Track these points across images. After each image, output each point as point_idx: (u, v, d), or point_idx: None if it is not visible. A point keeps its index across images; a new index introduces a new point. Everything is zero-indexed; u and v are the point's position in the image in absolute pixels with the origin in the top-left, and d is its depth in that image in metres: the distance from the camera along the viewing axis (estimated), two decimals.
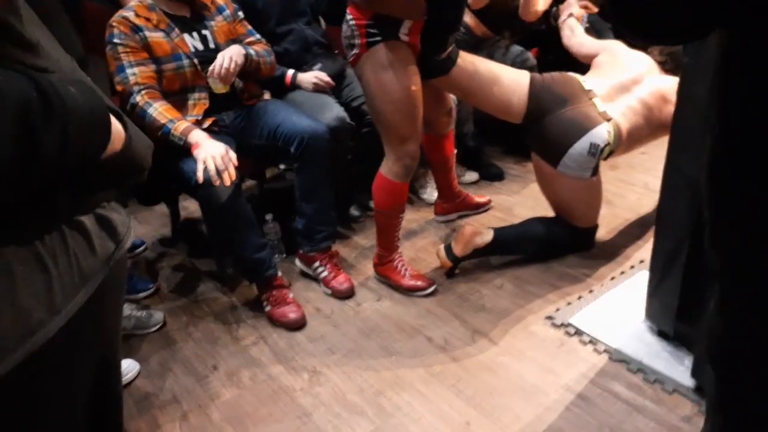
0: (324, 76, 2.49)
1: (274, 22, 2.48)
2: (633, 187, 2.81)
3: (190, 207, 2.62)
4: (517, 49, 2.96)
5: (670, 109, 2.07)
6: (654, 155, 2.83)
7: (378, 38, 1.90)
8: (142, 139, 0.82)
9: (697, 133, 1.38)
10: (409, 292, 2.19)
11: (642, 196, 2.74)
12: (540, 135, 2.20)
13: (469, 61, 2.20)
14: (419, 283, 2.18)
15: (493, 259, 2.35)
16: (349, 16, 1.95)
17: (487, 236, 2.25)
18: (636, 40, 0.69)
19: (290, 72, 2.48)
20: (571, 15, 2.67)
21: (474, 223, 2.64)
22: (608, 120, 2.13)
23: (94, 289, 0.78)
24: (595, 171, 2.17)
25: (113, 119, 0.75)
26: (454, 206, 2.70)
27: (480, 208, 2.76)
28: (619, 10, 0.59)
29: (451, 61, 2.13)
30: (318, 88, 2.49)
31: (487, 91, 2.21)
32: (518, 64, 2.82)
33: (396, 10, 1.88)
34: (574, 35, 2.59)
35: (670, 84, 2.20)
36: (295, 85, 2.49)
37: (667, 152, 1.74)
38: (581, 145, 2.09)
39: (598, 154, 2.10)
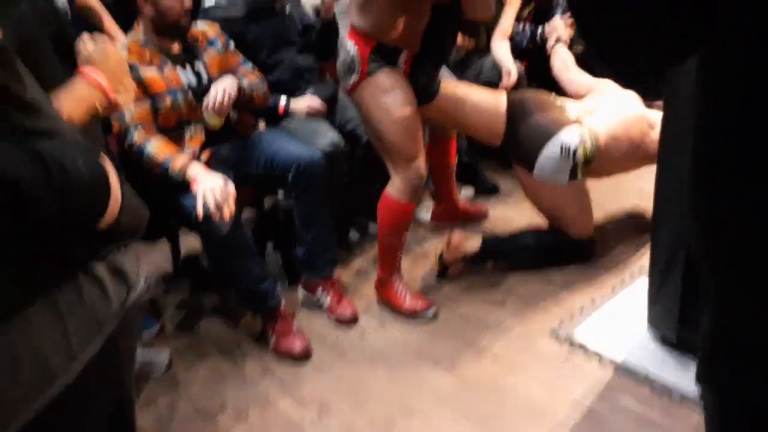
0: (317, 102, 2.52)
1: (266, 53, 2.51)
2: (628, 193, 2.83)
3: (191, 241, 2.63)
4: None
5: (655, 136, 2.10)
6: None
7: (378, 65, 1.98)
8: (134, 203, 0.84)
9: (686, 136, 1.42)
10: (409, 315, 2.20)
11: (637, 202, 2.76)
12: (514, 144, 2.27)
13: (450, 88, 2.27)
14: (419, 305, 2.19)
15: (495, 276, 2.36)
16: (350, 44, 2.01)
17: (475, 243, 2.29)
18: (617, 77, 0.69)
19: (283, 100, 2.50)
20: (558, 40, 2.71)
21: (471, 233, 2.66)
22: (580, 123, 2.16)
23: (108, 334, 0.81)
24: (573, 175, 2.18)
25: (112, 180, 0.77)
26: (453, 214, 2.76)
27: (478, 216, 2.81)
28: (591, 39, 0.59)
29: (436, 90, 2.19)
30: (311, 114, 2.51)
31: (469, 117, 2.30)
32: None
33: (399, 40, 1.97)
34: (567, 70, 2.61)
35: (657, 114, 2.22)
36: (288, 113, 2.51)
37: (659, 156, 1.77)
38: (552, 148, 2.13)
39: (572, 156, 2.12)
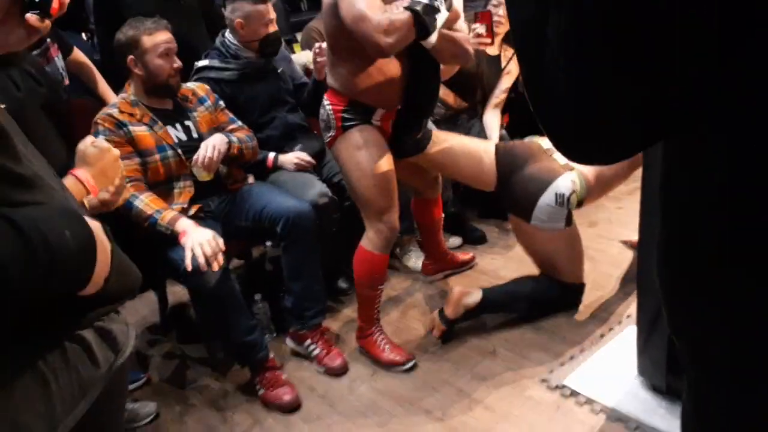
0: (305, 156, 2.56)
1: (258, 113, 2.56)
2: (613, 242, 2.87)
3: (178, 292, 2.62)
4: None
5: None
6: (630, 209, 2.90)
7: (352, 122, 2.05)
8: (125, 267, 0.84)
9: None
10: (388, 367, 2.19)
11: (622, 250, 2.80)
12: (510, 195, 2.32)
13: (441, 138, 2.34)
14: (398, 357, 2.19)
15: (485, 324, 2.36)
16: (326, 101, 2.09)
17: (476, 296, 2.30)
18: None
19: (272, 155, 2.54)
20: None
21: (462, 285, 2.67)
22: (571, 170, 2.22)
23: (94, 398, 0.80)
24: (569, 221, 2.24)
25: (103, 244, 0.77)
26: (442, 265, 2.81)
27: (466, 265, 2.86)
28: (550, 128, 0.54)
29: (426, 141, 2.25)
30: (300, 168, 2.56)
31: (460, 165, 2.36)
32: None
33: (371, 99, 2.03)
34: None
35: None
36: (277, 167, 2.55)
37: (640, 211, 1.81)
38: (547, 197, 2.18)
39: (566, 203, 2.17)
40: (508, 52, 3.06)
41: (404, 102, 2.08)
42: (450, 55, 2.03)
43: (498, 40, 2.96)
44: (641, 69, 0.44)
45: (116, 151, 1.21)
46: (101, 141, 1.21)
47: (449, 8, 1.92)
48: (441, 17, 1.86)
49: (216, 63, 2.53)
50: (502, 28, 2.90)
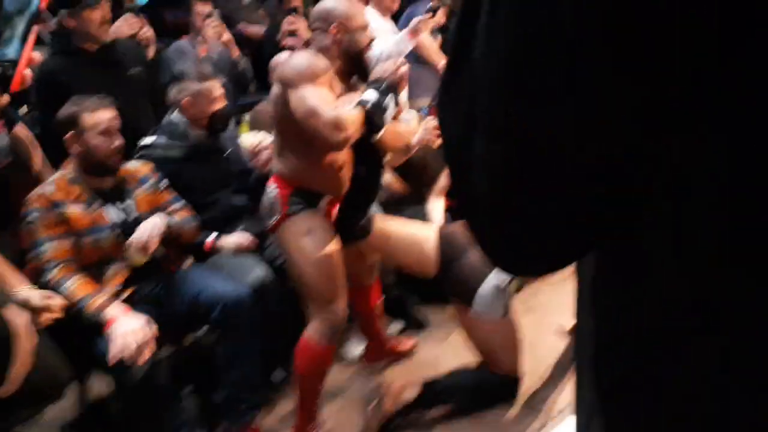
0: (247, 238, 2.53)
1: (201, 194, 2.53)
2: (549, 330, 2.92)
3: (101, 385, 2.46)
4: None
5: None
6: (566, 296, 2.97)
7: (298, 207, 2.03)
8: (51, 365, 0.79)
9: None
10: None
11: (559, 338, 2.84)
12: (451, 282, 2.34)
13: (383, 223, 2.35)
14: None
15: (423, 417, 2.31)
16: (272, 186, 2.08)
17: (415, 390, 2.26)
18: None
19: (211, 237, 2.49)
20: None
21: (401, 376, 2.62)
22: None
23: None
24: (506, 310, 2.26)
25: (24, 340, 0.73)
26: (383, 353, 2.75)
27: (407, 352, 2.82)
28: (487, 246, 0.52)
29: (369, 226, 2.26)
30: (240, 250, 2.51)
31: (402, 250, 2.37)
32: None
33: (318, 186, 2.05)
34: None
35: None
36: (216, 249, 2.50)
37: (576, 298, 1.85)
38: (488, 285, 2.21)
39: (506, 290, 2.21)
40: None
41: (349, 188, 2.11)
42: (393, 147, 2.10)
43: None
44: (566, 188, 0.44)
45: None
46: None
47: (396, 104, 2.00)
48: (389, 113, 1.94)
49: (162, 141, 2.52)
50: None
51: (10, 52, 0.97)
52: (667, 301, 0.46)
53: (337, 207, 2.14)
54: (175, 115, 2.55)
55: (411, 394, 2.24)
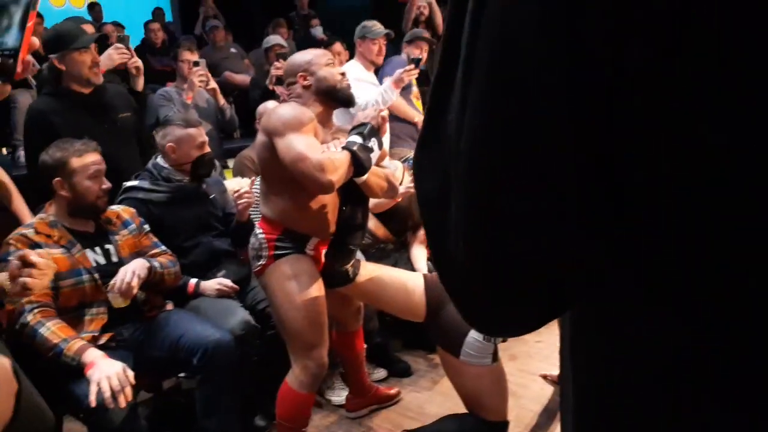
0: (227, 282, 2.51)
1: (183, 237, 2.53)
2: (534, 376, 2.90)
3: (75, 430, 2.37)
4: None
5: None
6: (549, 342, 2.98)
7: (285, 251, 2.04)
8: (34, 411, 0.77)
9: None
10: None
11: (543, 385, 2.83)
12: (438, 329, 2.31)
13: (370, 269, 2.35)
14: None
15: None
16: (258, 230, 2.09)
17: None
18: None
19: (193, 281, 2.47)
20: None
21: (385, 423, 2.58)
22: None
23: None
24: (495, 357, 2.24)
25: (7, 385, 0.71)
26: (366, 400, 2.69)
27: (391, 400, 2.76)
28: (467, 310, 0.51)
29: (356, 272, 2.26)
30: (222, 294, 2.49)
31: (390, 296, 2.35)
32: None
33: (305, 228, 2.06)
34: None
35: None
36: (198, 294, 2.47)
37: (560, 345, 1.85)
38: (475, 333, 2.19)
39: (493, 338, 2.19)
40: None
41: (335, 231, 2.12)
42: (379, 189, 2.13)
43: None
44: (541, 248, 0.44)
45: None
46: None
47: (380, 147, 2.05)
48: (374, 155, 1.99)
49: (146, 185, 2.52)
50: None
51: (10, 40, 0.98)
52: (636, 353, 0.46)
53: (324, 251, 2.14)
54: (159, 159, 2.57)
55: None
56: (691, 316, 0.43)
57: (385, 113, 2.14)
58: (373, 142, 1.98)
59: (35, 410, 0.74)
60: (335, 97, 2.11)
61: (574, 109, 0.40)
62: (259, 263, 2.07)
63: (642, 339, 0.46)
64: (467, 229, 0.46)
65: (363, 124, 2.02)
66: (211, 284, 2.49)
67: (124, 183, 2.54)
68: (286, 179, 1.95)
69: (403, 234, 3.20)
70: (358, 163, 1.91)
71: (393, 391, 2.80)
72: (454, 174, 0.46)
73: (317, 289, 2.05)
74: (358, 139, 1.96)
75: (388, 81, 3.41)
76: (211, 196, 2.68)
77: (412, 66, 3.39)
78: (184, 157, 2.52)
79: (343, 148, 1.93)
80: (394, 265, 3.00)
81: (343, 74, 2.15)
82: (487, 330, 0.54)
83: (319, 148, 1.92)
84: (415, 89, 4.01)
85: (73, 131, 2.52)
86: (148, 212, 2.44)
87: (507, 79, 0.41)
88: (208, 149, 2.59)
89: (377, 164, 2.09)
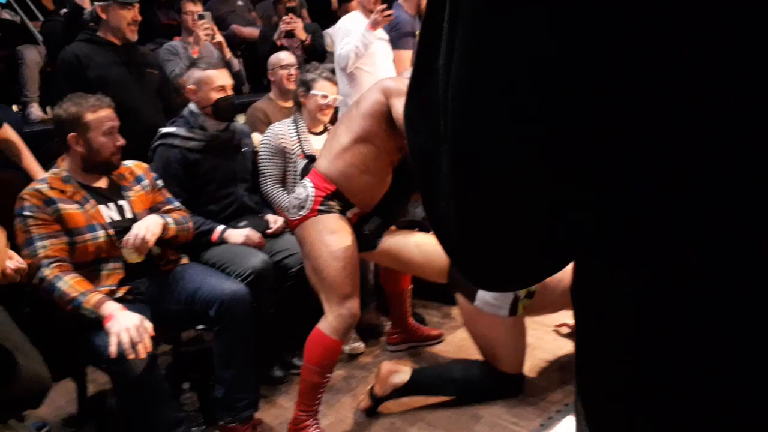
0: (255, 235, 2.51)
1: (216, 186, 2.55)
2: (547, 328, 2.92)
3: (98, 379, 2.43)
4: None
5: None
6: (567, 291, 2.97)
7: (329, 210, 2.13)
8: (33, 372, 0.77)
9: None
10: None
11: (557, 337, 2.84)
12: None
13: (393, 233, 2.38)
14: None
15: (420, 412, 2.31)
16: (309, 183, 2.16)
17: (405, 375, 2.28)
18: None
19: (219, 229, 2.48)
20: None
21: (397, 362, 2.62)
22: None
23: None
24: (513, 310, 2.24)
25: None
26: (406, 336, 2.82)
27: (431, 340, 2.86)
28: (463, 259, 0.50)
29: (379, 239, 2.29)
30: (247, 244, 2.49)
31: (413, 260, 2.42)
32: None
33: (354, 196, 2.15)
34: None
35: None
36: (221, 242, 2.48)
37: (574, 315, 1.85)
38: None
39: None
40: None
41: (378, 206, 2.22)
42: None
43: None
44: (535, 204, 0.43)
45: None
46: None
47: None
48: None
49: (182, 132, 2.52)
50: None
51: None
52: (640, 302, 0.45)
53: (357, 218, 2.21)
54: (193, 106, 2.57)
55: (399, 379, 2.26)
56: (659, 273, 0.42)
57: None
58: None
59: (32, 373, 0.74)
60: None
61: (561, 50, 0.38)
62: (300, 213, 2.12)
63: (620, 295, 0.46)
64: (456, 184, 0.44)
65: None
66: (238, 234, 2.49)
67: (160, 129, 2.55)
68: (373, 151, 2.07)
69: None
70: None
71: (435, 332, 2.87)
72: (443, 127, 0.44)
73: (353, 244, 2.12)
74: None
75: (365, 25, 3.36)
76: (243, 149, 2.68)
77: (385, 6, 3.32)
78: (204, 99, 2.52)
79: None
80: (418, 220, 3.03)
81: None
82: (483, 285, 0.53)
83: None
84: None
85: (103, 78, 2.71)
86: (182, 158, 2.45)
87: (493, 23, 0.39)
88: (229, 92, 2.57)
89: None
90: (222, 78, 2.55)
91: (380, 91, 2.10)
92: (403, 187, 2.23)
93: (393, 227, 2.46)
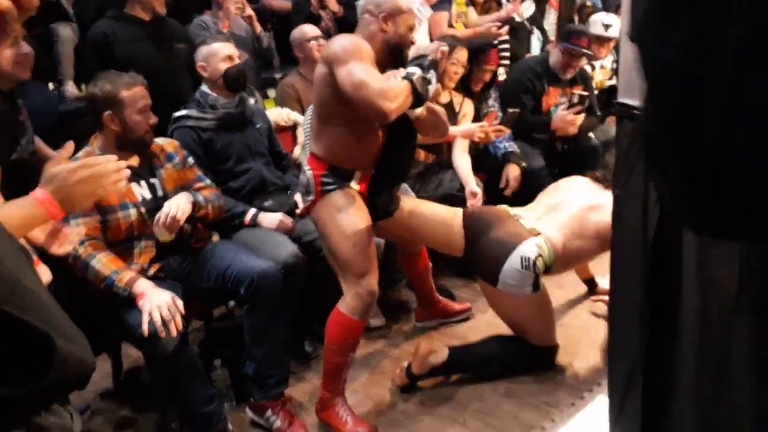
0: (288, 220, 2.50)
1: (233, 162, 2.54)
2: (581, 306, 2.87)
3: (132, 355, 2.49)
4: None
5: (600, 217, 2.25)
6: (597, 273, 2.91)
7: (332, 186, 2.09)
8: (77, 355, 0.77)
9: (635, 262, 1.44)
10: None
11: (590, 315, 2.79)
12: (476, 259, 2.33)
13: (410, 204, 2.36)
14: (360, 430, 2.09)
15: (452, 390, 2.31)
16: (307, 168, 2.14)
17: (442, 355, 2.29)
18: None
19: (251, 213, 2.48)
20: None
21: (432, 341, 2.61)
22: (537, 234, 2.24)
23: None
24: (536, 286, 2.21)
25: None
26: (433, 313, 2.82)
27: (458, 315, 2.86)
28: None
29: (395, 206, 2.25)
30: (280, 229, 2.49)
31: (429, 231, 2.40)
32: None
33: (350, 163, 2.10)
34: None
35: (597, 197, 2.38)
36: (254, 226, 2.49)
37: (610, 278, 1.79)
38: (513, 261, 2.17)
39: (532, 267, 2.17)
40: (458, 98, 3.18)
41: (381, 167, 2.16)
42: (431, 126, 2.15)
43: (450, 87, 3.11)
44: None
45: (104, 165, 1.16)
46: (72, 162, 1.15)
47: (438, 81, 2.02)
48: (432, 88, 1.99)
49: (194, 113, 2.52)
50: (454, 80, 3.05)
51: None
52: None
53: (367, 185, 2.16)
54: (204, 87, 2.57)
55: (437, 359, 2.26)
56: None
57: (445, 48, 2.12)
58: (431, 75, 1.97)
59: (74, 358, 0.74)
60: (396, 59, 2.07)
61: None
62: (309, 199, 2.12)
63: None
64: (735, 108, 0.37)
65: (423, 56, 2.00)
66: (271, 219, 2.49)
67: (174, 114, 2.55)
68: (340, 116, 1.99)
69: (441, 151, 3.14)
70: (417, 94, 1.90)
71: (459, 307, 2.87)
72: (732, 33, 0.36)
73: (365, 220, 2.08)
74: (417, 71, 1.94)
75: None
76: (257, 125, 2.66)
77: None
78: (214, 72, 2.51)
79: (403, 78, 1.92)
80: (438, 186, 2.99)
81: (413, 43, 2.13)
82: (734, 234, 0.48)
83: (379, 77, 1.90)
84: (455, 10, 3.84)
85: (129, 55, 2.71)
86: (198, 138, 2.46)
87: None
88: (237, 61, 2.55)
89: (432, 100, 2.08)
90: (227, 48, 2.55)
91: (322, 61, 2.00)
92: (402, 138, 2.16)
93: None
